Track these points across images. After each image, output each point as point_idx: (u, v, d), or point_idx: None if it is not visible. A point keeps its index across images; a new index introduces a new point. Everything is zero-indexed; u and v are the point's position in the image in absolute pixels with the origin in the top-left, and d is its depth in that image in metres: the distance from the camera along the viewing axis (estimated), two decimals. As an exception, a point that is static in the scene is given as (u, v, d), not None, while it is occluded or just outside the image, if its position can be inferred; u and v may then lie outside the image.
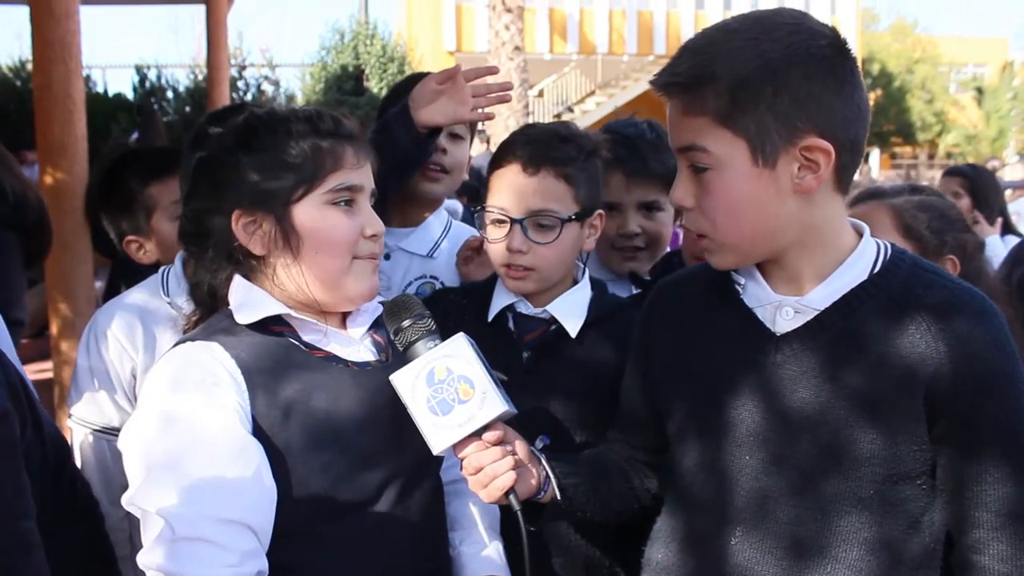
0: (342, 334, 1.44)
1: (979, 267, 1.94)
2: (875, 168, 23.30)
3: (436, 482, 1.52)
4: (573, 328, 1.74)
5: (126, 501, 1.26)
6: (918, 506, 1.27)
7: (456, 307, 1.83)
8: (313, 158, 1.37)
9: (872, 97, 33.44)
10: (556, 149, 1.72)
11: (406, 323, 1.36)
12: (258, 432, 1.29)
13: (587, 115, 25.46)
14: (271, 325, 1.38)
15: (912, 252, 1.82)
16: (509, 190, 1.71)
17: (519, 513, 1.32)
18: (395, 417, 1.37)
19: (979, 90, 35.73)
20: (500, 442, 1.33)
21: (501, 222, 1.73)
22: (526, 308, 1.78)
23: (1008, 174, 12.60)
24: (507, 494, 1.32)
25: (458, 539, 1.55)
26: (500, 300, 1.79)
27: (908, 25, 37.72)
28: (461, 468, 1.35)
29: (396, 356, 1.44)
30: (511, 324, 1.79)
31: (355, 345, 1.44)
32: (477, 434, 1.31)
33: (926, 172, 26.29)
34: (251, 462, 1.26)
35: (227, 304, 1.40)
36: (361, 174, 1.42)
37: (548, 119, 25.11)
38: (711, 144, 1.24)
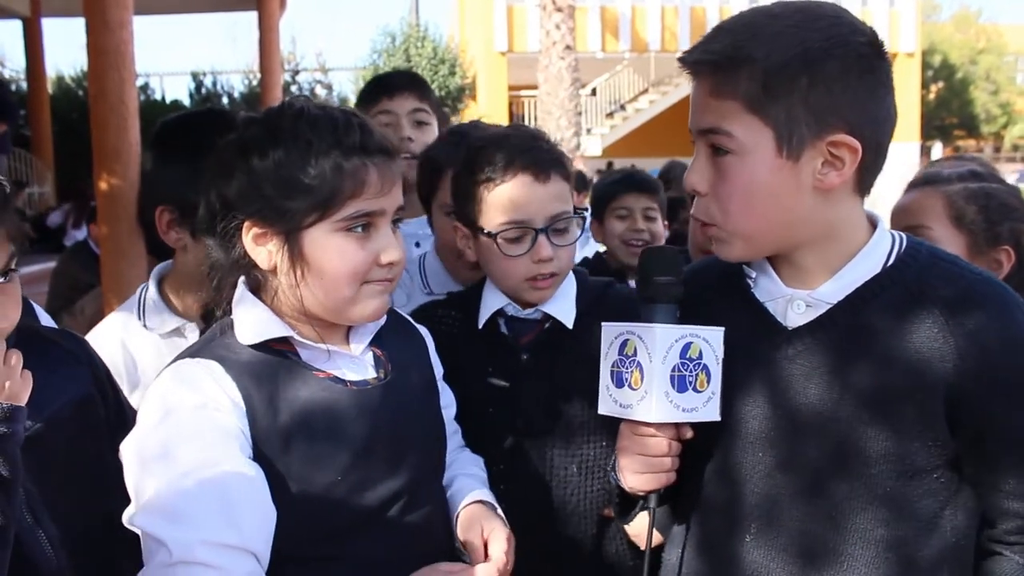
0: (343, 352, 1.39)
1: None
2: (937, 162, 22.72)
3: (440, 492, 1.50)
4: (569, 320, 1.72)
5: (127, 520, 1.25)
6: (937, 501, 1.23)
7: (446, 319, 1.79)
8: (332, 181, 1.28)
9: (933, 90, 32.64)
10: (549, 151, 1.70)
11: (662, 280, 1.30)
12: (258, 456, 1.26)
13: (640, 113, 25.29)
14: (273, 343, 1.33)
15: (964, 242, 1.81)
16: (524, 202, 1.66)
17: (651, 511, 1.33)
18: (395, 436, 1.37)
19: (1047, 80, 34.72)
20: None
21: (518, 239, 1.67)
22: (515, 310, 1.74)
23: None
24: (652, 491, 1.32)
25: (450, 475, 1.53)
26: (490, 305, 1.75)
27: (971, 14, 36.74)
28: (629, 438, 1.31)
29: (394, 371, 1.42)
30: (503, 328, 1.76)
31: (356, 361, 1.39)
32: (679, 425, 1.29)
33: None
34: (251, 487, 1.23)
35: (231, 311, 1.38)
36: (383, 199, 1.32)
37: (600, 118, 25.16)
38: (736, 129, 1.20)
